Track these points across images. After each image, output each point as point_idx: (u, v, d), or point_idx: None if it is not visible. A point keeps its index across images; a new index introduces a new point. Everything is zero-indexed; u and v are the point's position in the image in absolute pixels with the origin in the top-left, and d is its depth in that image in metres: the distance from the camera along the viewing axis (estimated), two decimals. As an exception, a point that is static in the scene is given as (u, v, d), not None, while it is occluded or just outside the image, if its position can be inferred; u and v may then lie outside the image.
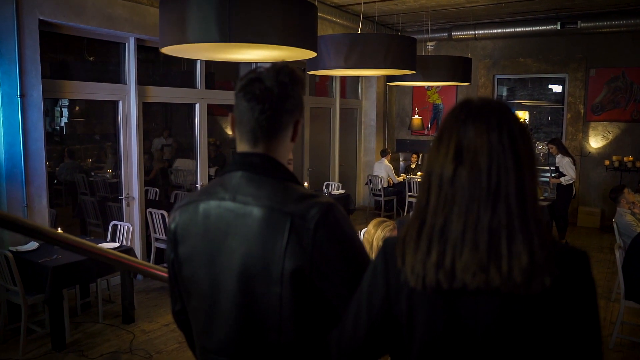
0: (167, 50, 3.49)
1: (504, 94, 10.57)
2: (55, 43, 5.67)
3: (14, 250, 4.49)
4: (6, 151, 4.66)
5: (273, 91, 1.23)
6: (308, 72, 5.17)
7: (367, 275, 1.13)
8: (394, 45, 4.90)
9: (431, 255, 1.00)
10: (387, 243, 1.11)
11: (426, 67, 6.58)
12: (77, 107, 8.59)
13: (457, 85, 10.40)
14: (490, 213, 0.97)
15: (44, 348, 4.26)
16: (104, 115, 7.60)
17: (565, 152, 7.58)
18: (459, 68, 6.71)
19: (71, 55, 6.22)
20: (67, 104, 9.40)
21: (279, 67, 1.26)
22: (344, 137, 10.19)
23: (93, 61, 6.26)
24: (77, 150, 8.37)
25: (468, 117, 1.03)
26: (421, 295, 1.03)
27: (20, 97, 4.68)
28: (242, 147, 1.30)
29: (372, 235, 3.27)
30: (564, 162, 7.42)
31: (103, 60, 6.27)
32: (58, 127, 9.60)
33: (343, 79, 10.18)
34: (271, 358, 1.24)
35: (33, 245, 4.65)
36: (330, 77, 9.73)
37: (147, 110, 9.58)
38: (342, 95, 10.23)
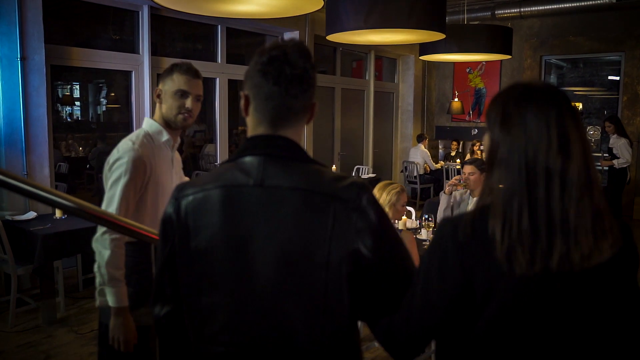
0: (158, -4, 3.18)
1: (553, 82, 9.82)
2: (64, 9, 5.49)
3: (10, 218, 4.29)
4: (5, 116, 4.47)
5: (302, 76, 1.18)
6: (327, 37, 4.75)
7: (433, 255, 1.13)
8: (419, 2, 4.42)
9: (554, 245, 1.04)
10: (459, 223, 1.11)
11: (462, 37, 6.04)
12: (113, 94, 8.53)
13: (500, 67, 9.76)
14: (590, 200, 1.06)
15: (35, 321, 4.04)
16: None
17: (622, 132, 6.86)
18: (498, 38, 6.12)
19: (82, 23, 6.02)
20: (104, 95, 9.40)
21: (301, 48, 1.20)
22: (379, 122, 9.72)
23: (105, 30, 6.05)
24: (113, 137, 8.28)
25: (559, 105, 1.08)
26: (507, 278, 1.06)
27: (20, 60, 4.48)
28: (259, 129, 1.21)
29: (378, 199, 2.85)
30: (620, 144, 6.72)
31: (116, 29, 6.06)
32: (94, 115, 9.59)
33: (378, 60, 9.72)
34: (312, 347, 1.16)
35: (31, 214, 4.44)
36: (365, 59, 9.29)
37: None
38: (379, 78, 9.76)
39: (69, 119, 10.50)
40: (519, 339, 1.09)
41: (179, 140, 2.16)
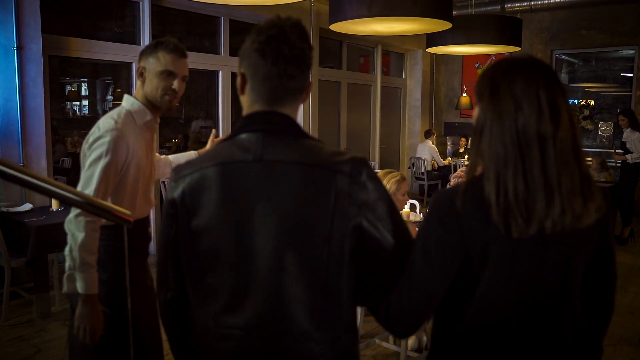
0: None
1: (564, 79, 9.61)
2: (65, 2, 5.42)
3: (5, 210, 4.21)
4: (1, 106, 4.38)
5: (300, 56, 1.17)
6: (330, 27, 4.64)
7: (431, 224, 1.16)
8: (424, -12, 4.30)
9: (551, 206, 1.09)
10: (455, 192, 1.15)
11: (469, 28, 5.90)
12: (119, 90, 8.50)
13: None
14: (578, 164, 1.11)
15: (30, 315, 3.96)
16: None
17: (636, 126, 6.65)
18: (507, 29, 5.97)
19: (82, 13, 5.94)
20: (111, 92, 9.39)
21: (299, 27, 1.18)
22: (386, 118, 9.57)
23: (106, 20, 5.96)
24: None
25: (546, 75, 1.13)
26: (504, 241, 1.10)
27: (17, 50, 4.40)
28: (255, 107, 1.21)
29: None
30: (633, 137, 6.52)
31: (117, 20, 5.97)
32: (101, 111, 9.58)
33: (386, 55, 9.58)
34: (312, 324, 1.15)
35: (27, 206, 4.35)
36: (372, 53, 9.15)
37: (192, 96, 9.37)
38: (386, 73, 9.62)
39: (73, 115, 10.50)
40: (512, 303, 1.14)
41: (158, 120, 2.05)
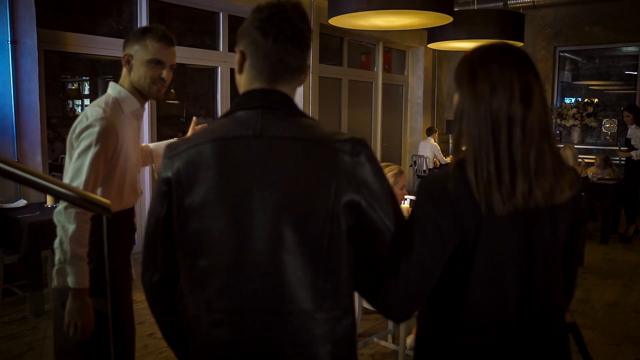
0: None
1: (567, 77, 9.51)
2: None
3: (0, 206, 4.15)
4: (-5, 101, 4.33)
5: (301, 35, 1.18)
6: (329, 21, 4.56)
7: (424, 211, 1.18)
8: (424, -19, 4.22)
9: (516, 184, 1.14)
10: (444, 175, 1.19)
11: (471, 23, 5.83)
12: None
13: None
14: (549, 144, 1.18)
15: (23, 312, 3.90)
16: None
17: None
18: (509, 23, 5.90)
19: (78, 8, 5.88)
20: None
21: (299, 8, 1.19)
22: (387, 115, 9.50)
23: (103, 16, 5.90)
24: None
25: (521, 61, 1.18)
26: (493, 221, 1.14)
27: (11, 44, 4.34)
28: (255, 85, 1.19)
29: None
30: (639, 134, 6.43)
31: (115, 16, 5.91)
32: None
33: (387, 53, 9.50)
34: (314, 304, 1.12)
35: (21, 202, 4.30)
36: (374, 50, 9.08)
37: (190, 94, 9.32)
38: (388, 70, 9.55)
39: (73, 114, 10.46)
40: (502, 284, 1.17)
41: (145, 108, 2.00)
